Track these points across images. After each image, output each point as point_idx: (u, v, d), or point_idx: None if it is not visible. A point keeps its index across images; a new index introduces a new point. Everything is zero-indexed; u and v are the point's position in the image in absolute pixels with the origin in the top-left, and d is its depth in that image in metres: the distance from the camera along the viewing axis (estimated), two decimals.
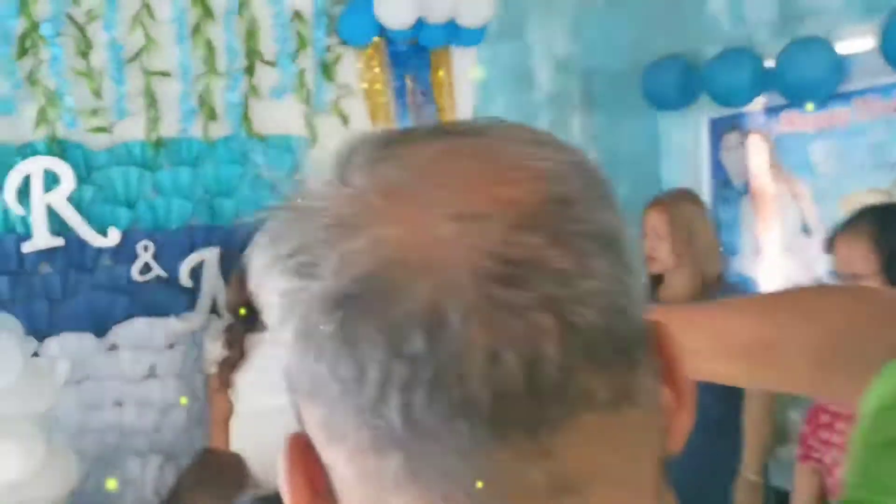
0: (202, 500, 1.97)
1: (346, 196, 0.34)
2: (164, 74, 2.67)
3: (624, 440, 0.32)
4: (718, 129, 3.54)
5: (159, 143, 2.66)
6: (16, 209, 2.42)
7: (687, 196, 2.53)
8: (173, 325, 2.65)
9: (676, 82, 3.39)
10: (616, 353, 0.32)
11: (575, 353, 0.30)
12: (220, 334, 2.53)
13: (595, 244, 0.32)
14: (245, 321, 2.49)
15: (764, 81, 3.09)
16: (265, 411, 2.43)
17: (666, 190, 2.71)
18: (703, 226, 2.45)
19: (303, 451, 0.35)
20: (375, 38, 3.15)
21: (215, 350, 2.50)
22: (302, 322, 0.33)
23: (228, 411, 2.48)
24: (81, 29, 2.55)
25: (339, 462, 0.33)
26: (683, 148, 3.67)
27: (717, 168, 3.57)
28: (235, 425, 2.43)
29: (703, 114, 3.53)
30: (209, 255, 2.71)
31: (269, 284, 0.36)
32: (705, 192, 3.63)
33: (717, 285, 2.41)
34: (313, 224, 0.34)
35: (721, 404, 2.37)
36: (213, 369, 2.51)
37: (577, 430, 0.30)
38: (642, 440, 0.33)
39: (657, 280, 2.48)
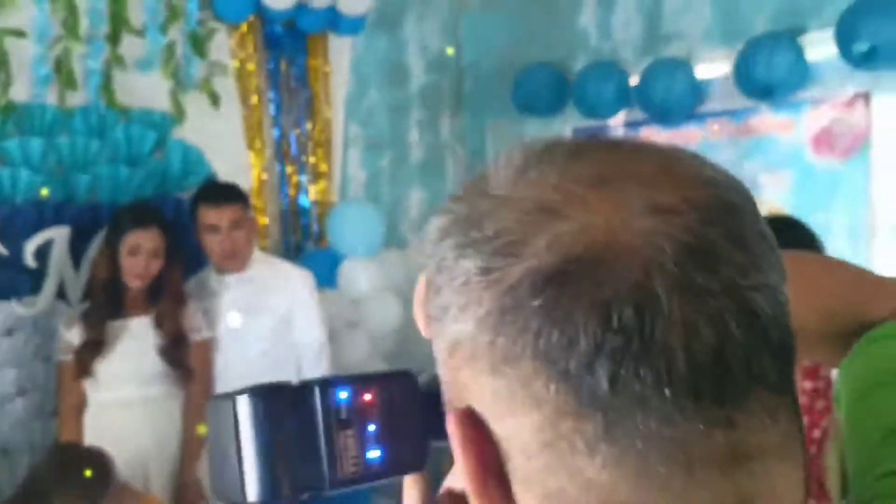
0: (63, 501, 1.82)
1: (549, 186, 0.36)
2: (19, 34, 2.43)
3: (785, 419, 0.36)
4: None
5: (9, 109, 2.42)
6: None
7: None
8: (14, 309, 2.42)
9: (545, 90, 3.49)
10: (781, 341, 0.36)
11: (755, 335, 0.34)
12: (76, 319, 2.33)
13: (762, 245, 0.36)
14: (107, 305, 2.31)
15: (627, 97, 3.26)
16: (127, 402, 2.29)
17: None
18: None
19: (474, 426, 0.37)
20: (251, 17, 3.03)
21: (71, 335, 2.30)
22: (503, 297, 0.35)
23: (83, 402, 2.30)
24: None
25: (522, 431, 0.35)
26: None
27: None
28: (91, 416, 2.26)
29: (568, 123, 3.66)
30: (59, 234, 2.50)
31: (458, 267, 0.37)
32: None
33: None
34: (516, 209, 0.36)
35: None
36: (67, 356, 2.31)
37: (755, 405, 0.34)
38: (795, 421, 0.37)
39: None
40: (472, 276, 0.36)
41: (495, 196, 0.37)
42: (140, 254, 2.32)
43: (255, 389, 0.44)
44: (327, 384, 0.45)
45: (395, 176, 3.68)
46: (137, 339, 2.32)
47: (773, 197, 2.84)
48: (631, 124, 3.45)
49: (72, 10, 2.54)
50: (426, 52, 3.82)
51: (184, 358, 2.35)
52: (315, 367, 2.60)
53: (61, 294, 2.51)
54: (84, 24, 2.57)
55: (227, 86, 2.98)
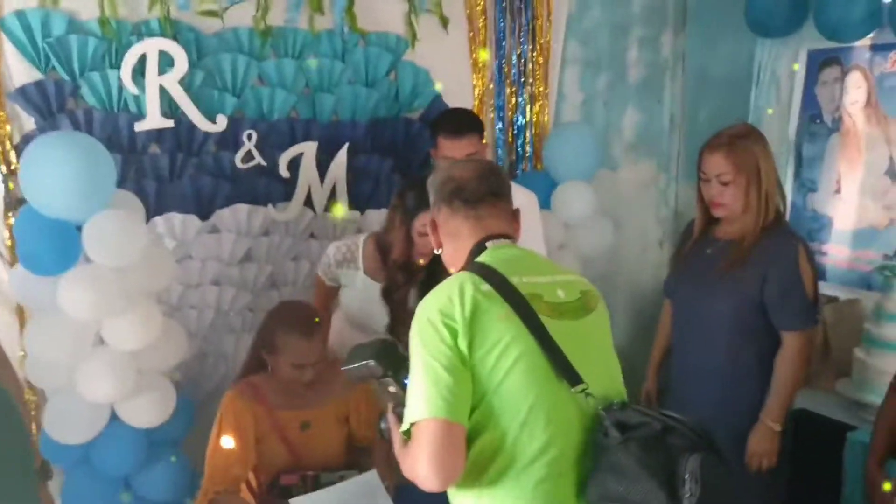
0: (286, 336, 2.19)
1: (449, 169, 1.76)
2: None
3: (499, 208, 1.68)
4: (817, 62, 3.44)
5: (267, 33, 2.67)
6: (131, 88, 2.48)
7: (750, 135, 2.39)
8: (271, 213, 2.75)
9: (783, 8, 3.27)
10: (497, 187, 1.70)
11: (486, 185, 1.67)
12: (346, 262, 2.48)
13: (496, 180, 1.70)
14: (405, 285, 2.41)
15: (879, 17, 2.98)
16: None
17: (730, 126, 2.43)
18: (768, 165, 2.36)
19: (434, 218, 1.70)
20: None
21: (335, 272, 2.50)
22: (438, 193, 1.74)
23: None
24: None
25: (440, 215, 1.69)
26: (777, 77, 3.59)
27: (809, 101, 3.50)
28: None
29: (804, 44, 3.43)
30: (307, 148, 2.77)
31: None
32: (793, 125, 3.57)
33: (777, 223, 2.38)
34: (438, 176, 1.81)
35: (756, 350, 2.38)
36: (328, 280, 2.52)
37: (486, 203, 1.66)
38: (505, 209, 1.72)
39: (713, 220, 2.46)
40: (432, 184, 1.73)
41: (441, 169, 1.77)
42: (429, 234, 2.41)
43: None
44: None
45: (611, 97, 3.65)
46: None
47: None
48: (878, 47, 3.18)
49: None
50: None
51: None
52: None
53: (308, 202, 2.81)
54: None
55: (455, 8, 3.08)
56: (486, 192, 1.63)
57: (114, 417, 2.26)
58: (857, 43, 3.20)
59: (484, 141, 2.68)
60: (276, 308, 2.37)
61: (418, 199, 2.30)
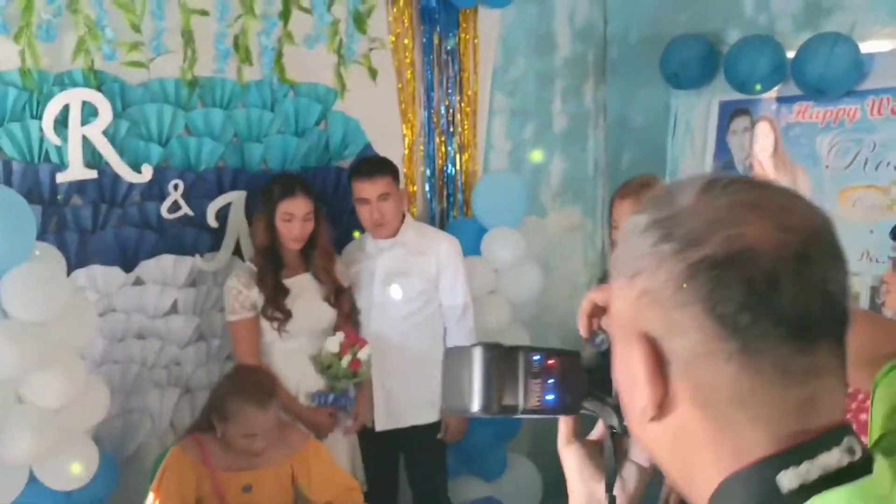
0: (240, 405, 2.11)
1: (722, 205, 0.57)
2: (203, 13, 2.66)
3: (839, 359, 0.58)
4: (728, 112, 3.63)
5: (194, 83, 2.66)
6: (52, 139, 2.43)
7: (655, 183, 2.53)
8: (197, 263, 2.70)
9: (695, 62, 3.45)
10: (843, 313, 0.58)
11: (829, 309, 0.58)
12: (251, 278, 2.53)
13: (837, 256, 0.59)
14: (273, 267, 2.53)
15: (783, 71, 3.17)
16: (303, 349, 2.54)
17: (635, 177, 2.60)
18: None
19: (649, 342, 0.58)
20: None
21: (253, 294, 2.52)
22: (687, 268, 0.56)
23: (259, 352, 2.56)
24: None
25: (686, 347, 0.57)
26: (691, 126, 3.76)
27: (722, 150, 3.67)
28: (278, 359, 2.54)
29: (716, 95, 3.61)
30: (236, 198, 2.75)
31: (658, 249, 0.57)
32: (707, 171, 3.73)
33: None
34: (700, 218, 0.57)
35: None
36: (247, 314, 2.53)
37: (825, 347, 0.57)
38: (843, 358, 0.58)
39: None
40: (667, 254, 0.56)
41: (684, 206, 0.58)
42: (294, 220, 2.52)
43: (486, 344, 0.71)
44: (528, 349, 0.72)
45: (537, 145, 3.75)
46: (303, 294, 2.55)
47: None
48: (783, 99, 3.37)
49: None
50: (574, 21, 3.84)
51: (347, 303, 2.61)
52: (458, 328, 2.75)
53: (237, 252, 2.78)
54: (259, 2, 2.78)
55: (384, 60, 3.14)
56: (830, 312, 0.57)
57: (31, 479, 2.16)
58: (765, 95, 3.39)
59: (401, 186, 2.75)
60: (232, 373, 2.32)
61: (282, 190, 2.53)
